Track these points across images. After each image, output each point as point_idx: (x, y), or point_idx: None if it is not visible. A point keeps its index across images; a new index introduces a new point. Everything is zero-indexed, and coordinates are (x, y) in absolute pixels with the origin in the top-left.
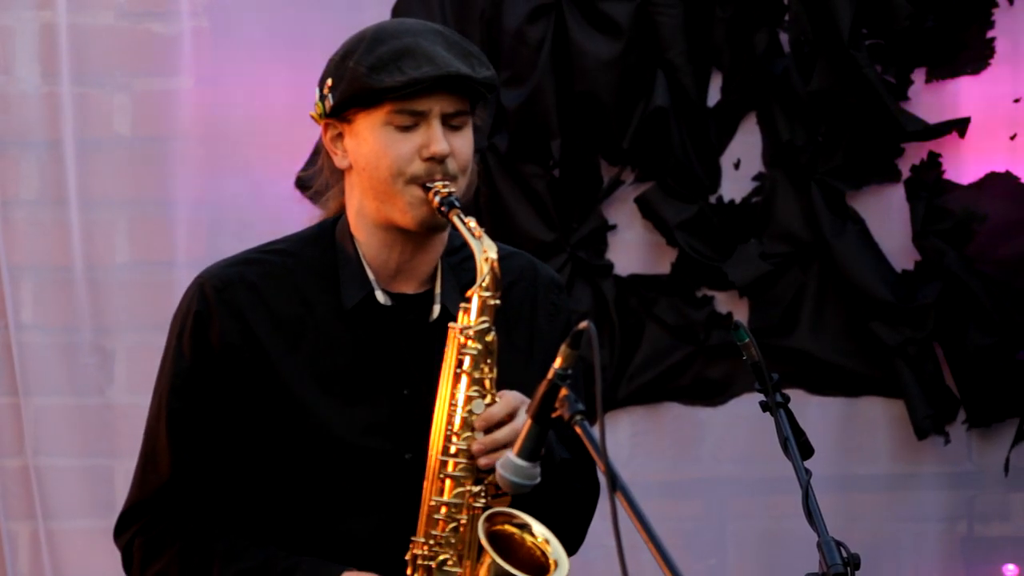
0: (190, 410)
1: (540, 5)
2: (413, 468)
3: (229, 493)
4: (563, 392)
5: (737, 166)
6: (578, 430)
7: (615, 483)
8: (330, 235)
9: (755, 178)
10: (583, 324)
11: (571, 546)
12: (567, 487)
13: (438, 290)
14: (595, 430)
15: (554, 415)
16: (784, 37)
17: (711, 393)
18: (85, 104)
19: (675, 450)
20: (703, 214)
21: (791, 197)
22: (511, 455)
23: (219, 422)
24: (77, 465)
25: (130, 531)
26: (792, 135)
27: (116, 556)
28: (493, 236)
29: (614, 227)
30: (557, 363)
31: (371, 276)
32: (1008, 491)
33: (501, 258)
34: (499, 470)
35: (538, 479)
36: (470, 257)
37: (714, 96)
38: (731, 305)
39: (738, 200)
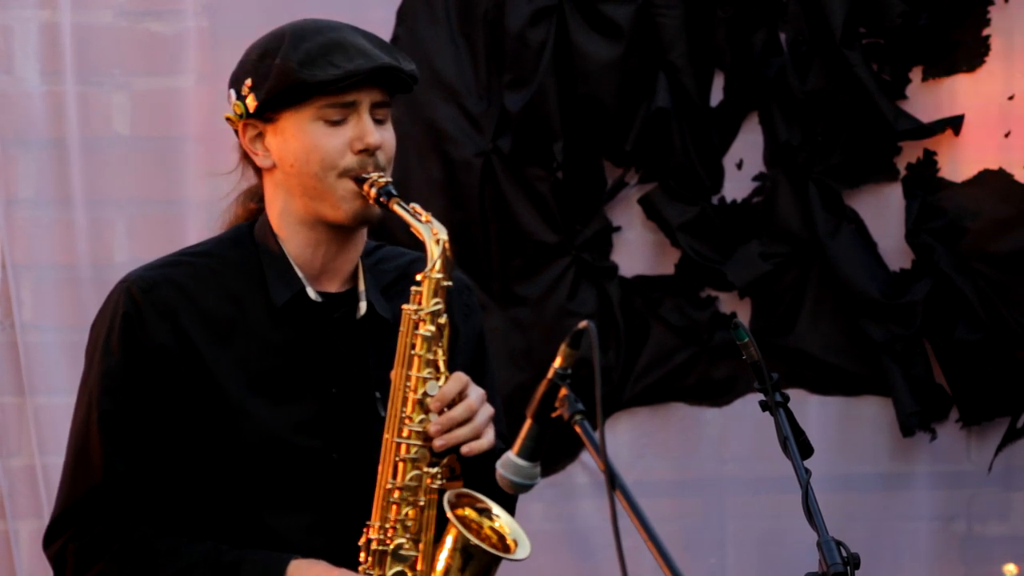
0: (122, 411)
1: (542, 7)
2: (340, 467)
3: (163, 491)
4: (563, 392)
5: (740, 166)
6: (578, 430)
7: (614, 482)
8: (249, 236)
9: (755, 178)
10: (583, 324)
11: None
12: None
13: (362, 287)
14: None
15: (554, 415)
16: (783, 37)
17: (715, 393)
18: (87, 103)
19: (680, 450)
20: (705, 215)
21: (790, 197)
22: (511, 454)
23: (151, 421)
24: None
25: (61, 539)
26: (789, 135)
27: None
28: (498, 238)
29: (618, 229)
30: (557, 363)
31: (300, 274)
32: (1007, 490)
33: (412, 260)
34: (499, 470)
35: (538, 479)
36: (384, 259)
37: (716, 97)
38: (735, 305)
39: (740, 201)
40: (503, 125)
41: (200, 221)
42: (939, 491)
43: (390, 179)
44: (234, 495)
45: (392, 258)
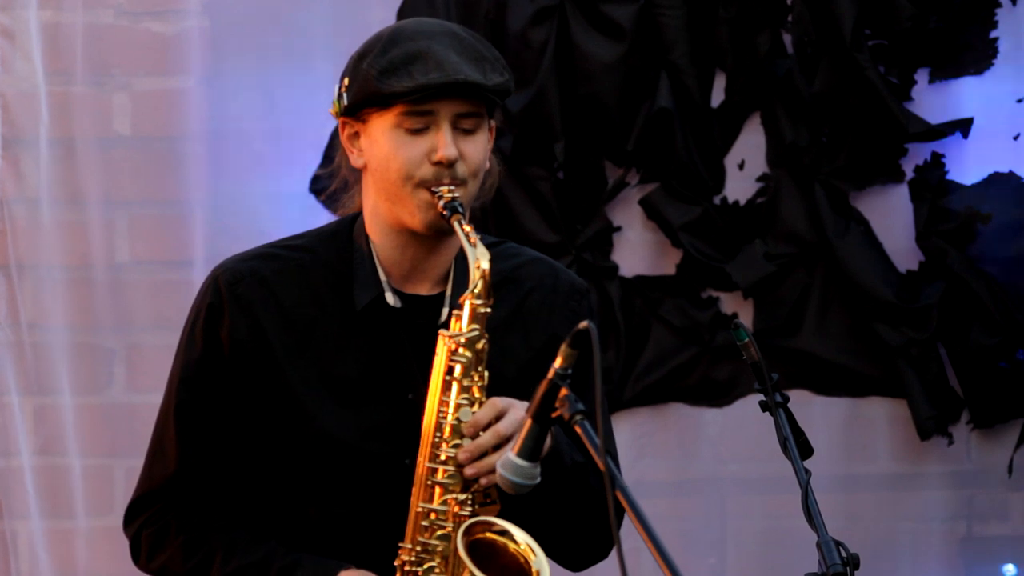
0: (198, 402)
1: (543, 7)
2: (411, 473)
3: (233, 486)
4: (563, 392)
5: (742, 167)
6: (578, 430)
7: (614, 483)
8: (348, 233)
9: (759, 179)
10: (583, 324)
11: (601, 548)
12: (581, 489)
13: (449, 292)
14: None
15: (554, 415)
16: (788, 38)
17: (716, 394)
18: (88, 103)
19: (681, 451)
20: (707, 215)
21: (795, 198)
22: (511, 455)
23: (225, 416)
24: (86, 464)
25: (137, 522)
26: (795, 136)
27: (123, 556)
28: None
29: (619, 229)
30: (557, 363)
31: (383, 277)
32: (1007, 491)
33: (522, 264)
34: (499, 470)
35: (538, 479)
36: (494, 259)
37: (718, 97)
38: (736, 306)
39: (742, 201)
40: (504, 125)
41: (201, 221)
42: (940, 492)
43: (459, 194)
44: (302, 494)
45: (503, 258)
